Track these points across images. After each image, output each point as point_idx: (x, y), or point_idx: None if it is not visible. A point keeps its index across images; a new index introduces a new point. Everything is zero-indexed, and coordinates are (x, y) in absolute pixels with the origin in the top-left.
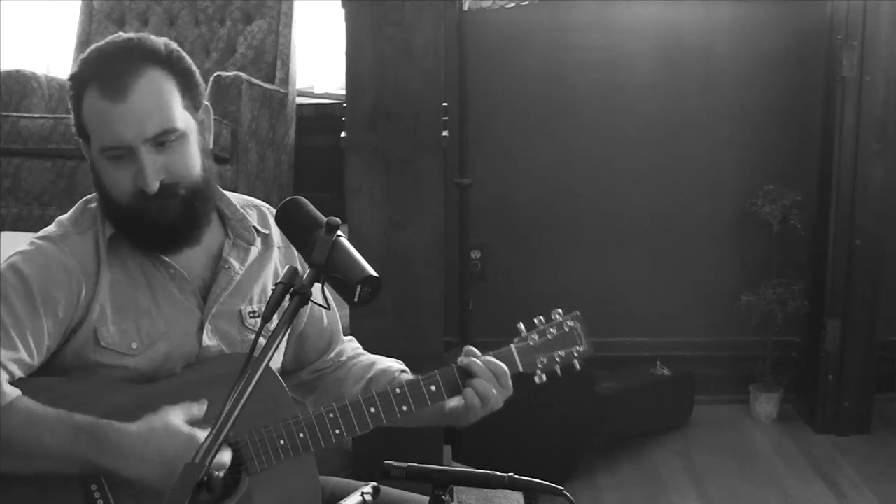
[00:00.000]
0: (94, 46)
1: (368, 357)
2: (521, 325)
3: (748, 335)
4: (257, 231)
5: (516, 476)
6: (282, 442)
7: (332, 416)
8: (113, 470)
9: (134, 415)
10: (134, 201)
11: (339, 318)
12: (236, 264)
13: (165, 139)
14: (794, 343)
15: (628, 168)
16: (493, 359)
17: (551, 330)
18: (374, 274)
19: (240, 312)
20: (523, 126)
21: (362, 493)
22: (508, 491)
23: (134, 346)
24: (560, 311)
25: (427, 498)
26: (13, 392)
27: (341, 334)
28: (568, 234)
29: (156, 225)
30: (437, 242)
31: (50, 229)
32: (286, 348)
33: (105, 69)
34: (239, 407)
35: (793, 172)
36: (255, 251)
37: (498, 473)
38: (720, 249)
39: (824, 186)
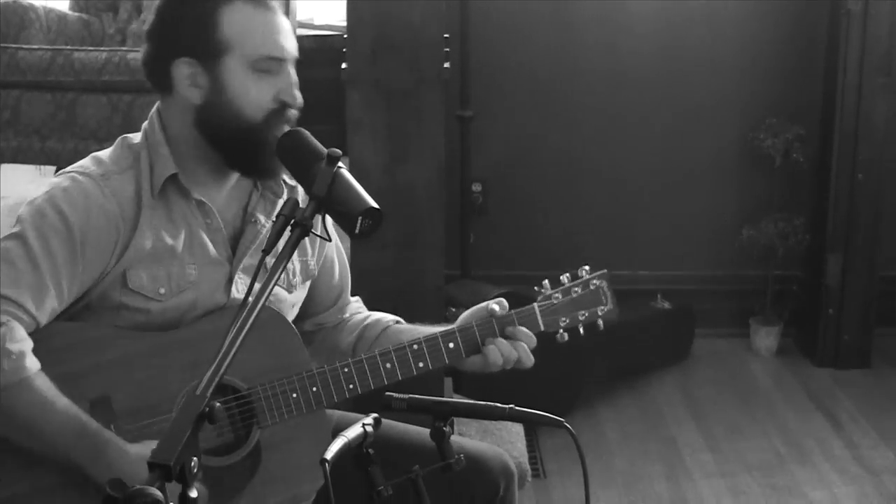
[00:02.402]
0: None
1: (366, 312)
2: (546, 283)
3: (749, 269)
4: (285, 183)
5: (517, 408)
6: (294, 395)
7: (346, 370)
8: (94, 478)
9: (144, 362)
10: (269, 118)
11: (349, 275)
12: (262, 217)
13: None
14: (795, 277)
15: (631, 102)
16: (522, 329)
17: (576, 289)
18: (375, 205)
19: (266, 266)
20: (526, 58)
21: (364, 425)
22: (509, 423)
23: (162, 291)
24: (587, 267)
25: (428, 430)
26: (33, 366)
27: (349, 292)
28: (570, 167)
29: (273, 146)
30: (439, 176)
31: (87, 166)
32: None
33: None
34: (240, 338)
35: (796, 106)
36: (281, 203)
37: (499, 405)
38: (722, 183)
39: (827, 120)
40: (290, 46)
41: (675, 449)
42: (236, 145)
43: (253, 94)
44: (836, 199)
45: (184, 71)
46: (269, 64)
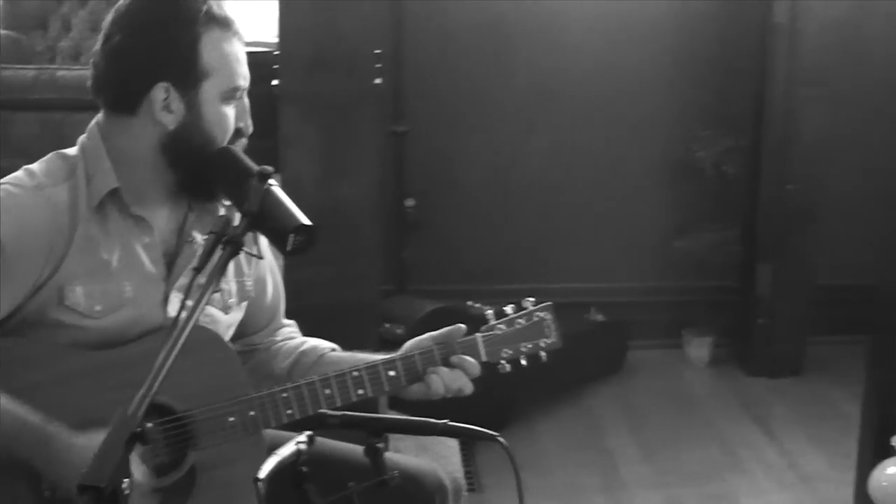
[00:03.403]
0: None
1: (302, 337)
2: (490, 313)
3: (682, 280)
4: (221, 203)
5: (451, 423)
6: (231, 419)
7: (285, 395)
8: (43, 474)
9: (83, 381)
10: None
11: (283, 299)
12: (199, 237)
13: None
14: (728, 287)
15: (564, 115)
16: (465, 358)
17: (520, 320)
18: (307, 222)
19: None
20: (459, 73)
21: (297, 444)
22: (445, 438)
23: (98, 308)
24: (532, 299)
25: (362, 446)
26: None
27: (283, 316)
28: (503, 181)
29: None
30: (374, 191)
31: (20, 178)
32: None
33: (218, 10)
34: (171, 358)
35: (727, 119)
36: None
37: (433, 421)
38: (655, 196)
39: (757, 132)
40: (248, 75)
41: (611, 460)
42: (198, 170)
43: (224, 122)
44: (767, 210)
45: (160, 96)
46: (236, 93)
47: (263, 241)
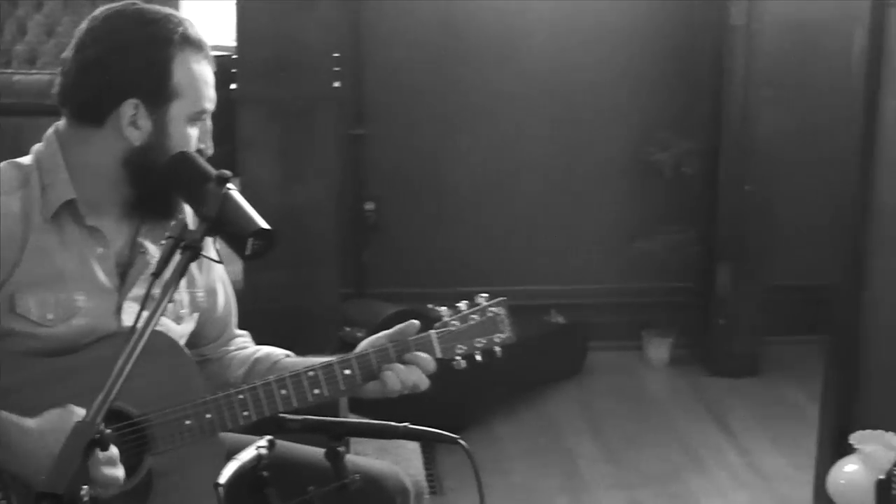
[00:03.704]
0: (152, 8)
1: (254, 346)
2: (444, 309)
3: (641, 281)
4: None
5: (412, 426)
6: (188, 423)
7: (241, 397)
8: (4, 466)
9: (38, 389)
10: None
11: (235, 310)
12: (152, 247)
13: None
14: (687, 288)
15: (523, 118)
16: (419, 354)
17: (474, 316)
18: (266, 226)
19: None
20: (418, 76)
21: (257, 448)
22: (406, 441)
23: (50, 317)
24: (486, 295)
25: (323, 450)
26: None
27: (235, 326)
28: (462, 184)
29: None
30: (332, 194)
31: None
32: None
33: (192, 32)
34: (130, 364)
35: (686, 120)
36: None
37: (393, 424)
38: (614, 197)
39: (716, 133)
40: (214, 98)
41: (572, 462)
42: (157, 188)
43: (187, 143)
44: (725, 211)
45: (128, 112)
46: (202, 115)
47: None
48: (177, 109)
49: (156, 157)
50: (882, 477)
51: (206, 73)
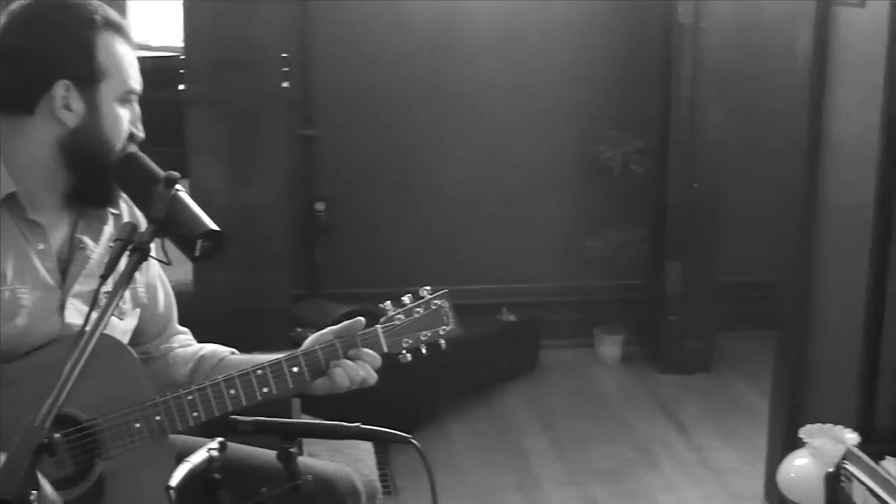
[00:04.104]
0: None
1: (198, 344)
2: (389, 304)
3: (592, 279)
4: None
5: (364, 426)
6: (137, 425)
7: (190, 398)
8: None
9: None
10: (122, 149)
11: (175, 307)
12: (91, 243)
13: None
14: (638, 286)
15: (472, 117)
16: (366, 350)
17: (418, 309)
18: (215, 228)
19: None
20: (366, 76)
21: (209, 450)
22: (358, 441)
23: None
24: (429, 288)
25: (275, 452)
26: None
27: (176, 323)
28: (413, 183)
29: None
30: (283, 195)
31: None
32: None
33: (112, 15)
34: (78, 368)
35: (634, 119)
36: (108, 230)
37: (345, 424)
38: (564, 196)
39: (664, 132)
40: (140, 80)
41: (525, 460)
42: (95, 172)
43: (120, 124)
44: (674, 209)
45: (60, 93)
46: (129, 96)
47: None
48: (106, 90)
49: (91, 140)
50: (831, 470)
51: (129, 54)
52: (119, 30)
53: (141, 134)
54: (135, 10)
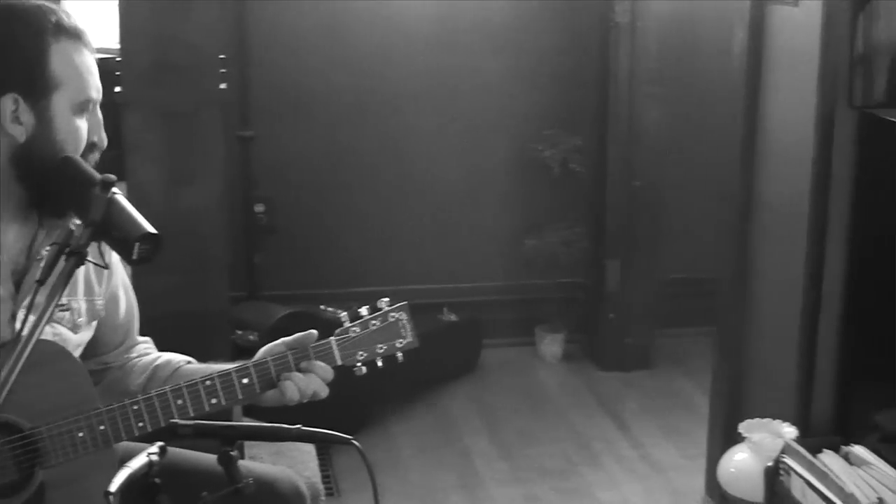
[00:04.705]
0: (22, 2)
1: (156, 353)
2: (345, 315)
3: (533, 278)
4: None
5: (305, 428)
6: (80, 435)
7: (136, 407)
8: None
9: None
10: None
11: (137, 316)
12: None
13: None
14: (578, 284)
15: (410, 118)
16: (318, 363)
17: (374, 322)
18: (153, 230)
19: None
20: (304, 77)
21: (148, 454)
22: (301, 443)
23: None
24: (387, 300)
25: (216, 455)
26: None
27: (136, 333)
28: (351, 184)
29: None
30: (221, 197)
31: None
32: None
33: (67, 21)
34: (15, 374)
35: (573, 118)
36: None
37: (286, 426)
38: (504, 195)
39: (603, 130)
40: (100, 87)
41: (468, 459)
42: (50, 183)
43: (77, 134)
44: (614, 207)
45: (8, 107)
46: (88, 105)
47: (116, 256)
48: (60, 100)
49: (44, 153)
50: (770, 464)
51: (86, 61)
52: (76, 36)
53: (103, 142)
54: (70, 12)
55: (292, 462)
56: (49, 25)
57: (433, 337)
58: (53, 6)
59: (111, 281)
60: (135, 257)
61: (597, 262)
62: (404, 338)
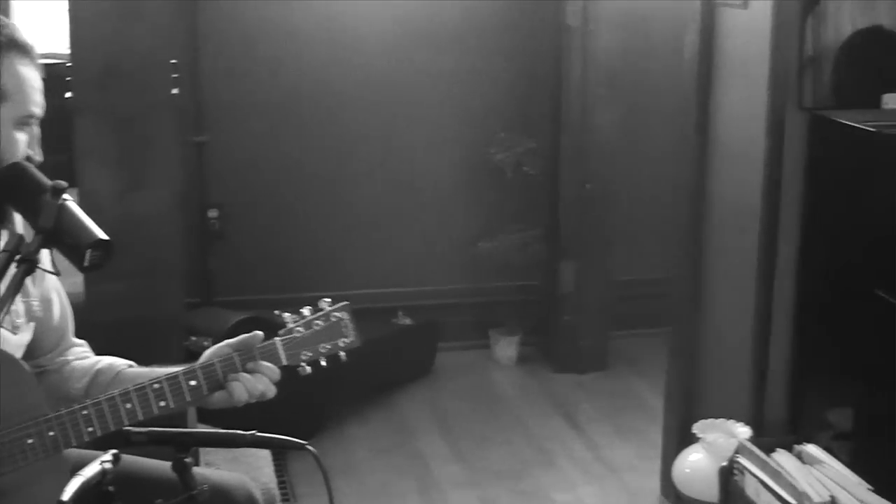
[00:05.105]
0: None
1: (95, 356)
2: (288, 316)
3: (488, 281)
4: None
5: (259, 434)
6: (30, 441)
7: (85, 413)
8: None
9: None
10: None
11: (71, 319)
12: None
13: None
14: (533, 287)
15: (364, 122)
16: (264, 363)
17: (318, 322)
18: (105, 237)
19: None
20: (257, 82)
21: (102, 463)
22: (256, 449)
23: None
24: (328, 300)
25: (170, 462)
26: None
27: (72, 335)
28: (305, 189)
29: None
30: (174, 203)
31: None
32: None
33: (18, 36)
34: None
35: (526, 120)
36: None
37: (240, 432)
38: (458, 198)
39: (556, 133)
40: (43, 104)
41: (423, 462)
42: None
43: (14, 147)
44: (567, 209)
45: None
46: (29, 120)
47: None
48: (3, 113)
49: None
50: (724, 464)
51: (32, 76)
52: (24, 51)
53: (38, 157)
54: (20, 16)
55: (248, 468)
56: (2, 39)
57: (388, 341)
58: (5, 20)
59: (44, 283)
60: (86, 264)
61: (551, 265)
62: (347, 337)
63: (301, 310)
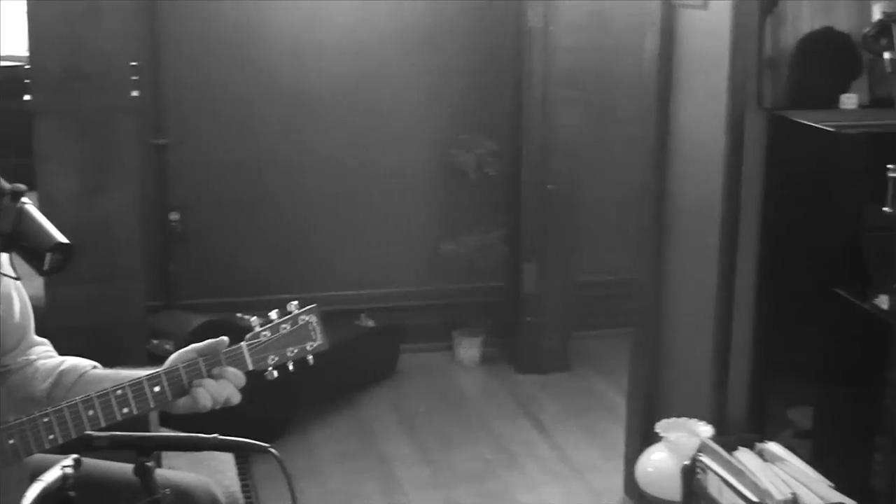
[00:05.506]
0: None
1: (59, 357)
2: (255, 319)
3: (450, 283)
4: None
5: (221, 437)
6: None
7: (46, 420)
8: None
9: None
10: None
11: (32, 317)
12: None
13: None
14: (496, 288)
15: (326, 124)
16: (230, 369)
17: (285, 325)
18: (65, 240)
19: None
20: (218, 85)
21: (63, 468)
22: (220, 452)
23: None
24: (296, 303)
25: (132, 466)
26: None
27: (33, 334)
28: (268, 191)
29: None
30: (135, 205)
31: None
32: None
33: None
34: None
35: (488, 122)
36: None
37: (203, 436)
38: (420, 200)
39: (518, 134)
40: None
41: (388, 464)
42: None
43: None
44: (530, 210)
45: None
46: None
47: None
48: None
49: None
50: (687, 463)
51: None
52: None
53: None
54: None
55: (211, 471)
56: None
57: (351, 343)
58: None
59: (4, 282)
60: (46, 268)
61: (513, 266)
62: (315, 340)
63: (269, 313)
